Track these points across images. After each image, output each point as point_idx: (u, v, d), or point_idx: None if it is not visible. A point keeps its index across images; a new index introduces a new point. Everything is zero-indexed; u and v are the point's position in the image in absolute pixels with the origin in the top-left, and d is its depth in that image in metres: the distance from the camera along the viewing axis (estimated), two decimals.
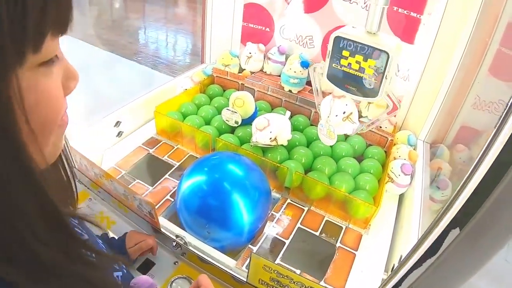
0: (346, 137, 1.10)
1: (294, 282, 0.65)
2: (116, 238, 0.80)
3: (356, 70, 0.78)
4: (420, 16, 0.99)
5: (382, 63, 0.74)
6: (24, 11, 0.26)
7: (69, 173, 0.50)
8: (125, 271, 0.61)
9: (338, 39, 0.77)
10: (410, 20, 1.00)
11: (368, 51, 0.75)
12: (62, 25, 0.31)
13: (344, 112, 0.90)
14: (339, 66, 0.80)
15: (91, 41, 3.61)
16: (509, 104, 0.32)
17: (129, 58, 3.37)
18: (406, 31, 1.03)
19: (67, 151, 0.86)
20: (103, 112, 1.06)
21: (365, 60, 0.76)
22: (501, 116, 0.32)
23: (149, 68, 3.25)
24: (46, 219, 0.32)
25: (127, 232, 0.81)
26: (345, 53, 0.78)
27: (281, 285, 0.67)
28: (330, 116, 0.92)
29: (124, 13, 4.98)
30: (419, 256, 0.43)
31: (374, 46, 0.74)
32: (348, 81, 0.81)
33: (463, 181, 0.36)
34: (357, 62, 0.77)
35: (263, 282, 0.69)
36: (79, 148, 0.90)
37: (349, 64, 0.79)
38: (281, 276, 0.66)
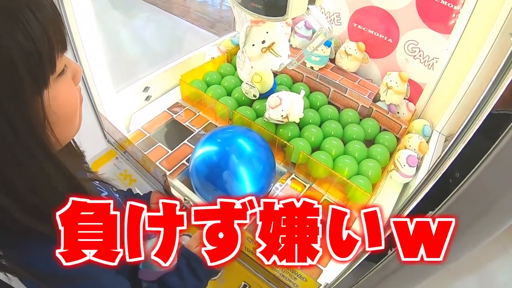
0: (360, 119, 1.11)
1: None
2: (141, 194, 0.93)
3: None
4: (453, 6, 0.94)
5: None
6: (39, 57, 0.37)
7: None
8: None
9: None
10: (444, 9, 0.96)
11: None
12: (63, 47, 0.41)
13: (263, 42, 0.78)
14: None
15: None
16: None
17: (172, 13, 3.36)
18: (440, 20, 0.99)
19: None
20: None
21: None
22: None
23: (190, 23, 3.21)
24: (68, 184, 0.44)
25: (151, 191, 0.94)
26: None
27: None
28: (245, 46, 0.79)
29: None
30: None
31: None
32: None
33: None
34: None
35: (248, 250, 0.79)
36: (108, 110, 1.01)
37: None
38: None
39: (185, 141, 1.07)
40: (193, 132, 1.10)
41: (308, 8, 0.70)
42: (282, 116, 1.00)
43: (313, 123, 1.08)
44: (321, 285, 0.72)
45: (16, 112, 0.36)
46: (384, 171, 0.98)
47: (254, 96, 1.10)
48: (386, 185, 1.02)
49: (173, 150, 1.04)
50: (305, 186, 0.99)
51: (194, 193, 0.93)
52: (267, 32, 0.77)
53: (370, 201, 0.92)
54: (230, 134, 0.95)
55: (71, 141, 0.58)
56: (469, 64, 0.96)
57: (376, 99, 1.13)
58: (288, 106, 1.00)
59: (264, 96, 1.10)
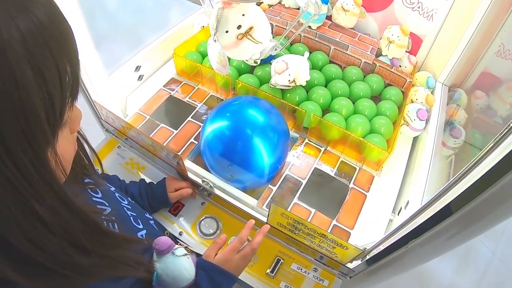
0: (364, 76, 1.09)
1: (307, 228, 0.72)
2: (155, 183, 0.87)
3: None
4: None
5: None
6: (54, 108, 0.34)
7: (86, 147, 0.57)
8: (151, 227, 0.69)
9: None
10: None
11: None
12: (75, 98, 0.38)
13: (239, 27, 0.66)
14: None
15: None
16: None
17: None
18: None
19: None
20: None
21: None
22: None
23: None
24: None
25: (165, 177, 0.88)
26: None
27: (296, 228, 0.74)
28: (218, 33, 0.68)
29: None
30: None
31: None
32: None
33: None
34: None
35: (281, 225, 0.77)
36: (103, 97, 0.93)
37: None
38: (297, 223, 0.73)
39: (189, 118, 1.01)
40: (196, 108, 1.04)
41: None
42: (289, 80, 0.97)
43: (318, 84, 1.05)
44: (363, 251, 0.70)
45: (30, 164, 0.33)
46: (395, 127, 0.98)
47: (255, 62, 1.04)
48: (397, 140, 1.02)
49: (178, 130, 0.98)
50: (320, 150, 0.97)
51: (209, 172, 0.89)
52: (243, 15, 0.62)
53: (387, 159, 0.92)
54: (238, 105, 0.90)
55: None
56: (470, 14, 0.95)
57: (377, 54, 1.11)
58: (294, 70, 0.96)
59: (265, 61, 1.05)
